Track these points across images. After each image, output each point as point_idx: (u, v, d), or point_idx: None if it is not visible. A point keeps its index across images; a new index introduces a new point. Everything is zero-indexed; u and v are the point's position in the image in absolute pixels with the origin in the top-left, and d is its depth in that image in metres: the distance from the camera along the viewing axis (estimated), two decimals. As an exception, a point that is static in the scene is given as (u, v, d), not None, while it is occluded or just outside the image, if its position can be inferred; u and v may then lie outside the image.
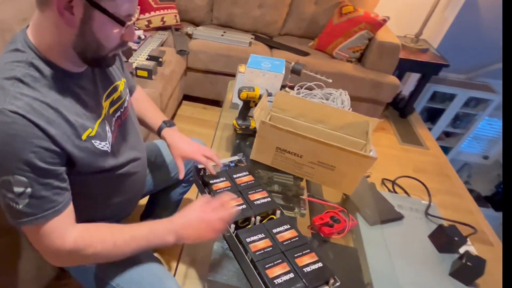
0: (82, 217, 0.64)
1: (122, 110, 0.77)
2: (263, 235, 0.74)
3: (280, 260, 0.69)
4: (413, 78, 2.74)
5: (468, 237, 1.33)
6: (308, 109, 1.09)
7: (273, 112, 1.13)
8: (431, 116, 2.90)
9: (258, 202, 0.82)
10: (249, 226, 0.79)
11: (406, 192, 1.86)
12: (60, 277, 1.08)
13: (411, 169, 2.13)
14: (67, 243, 0.60)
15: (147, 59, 1.76)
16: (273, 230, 0.76)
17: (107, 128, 0.69)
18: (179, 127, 0.95)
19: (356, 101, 2.15)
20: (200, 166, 0.91)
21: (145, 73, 1.65)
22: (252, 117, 1.16)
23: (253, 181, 0.89)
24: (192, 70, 2.18)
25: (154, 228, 0.67)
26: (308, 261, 0.70)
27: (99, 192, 0.74)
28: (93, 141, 0.64)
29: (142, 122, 0.95)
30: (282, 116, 1.13)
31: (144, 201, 1.21)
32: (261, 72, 1.20)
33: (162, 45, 2.05)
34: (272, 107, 1.14)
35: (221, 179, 0.88)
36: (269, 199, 0.84)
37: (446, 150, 2.96)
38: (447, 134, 3.01)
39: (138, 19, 2.10)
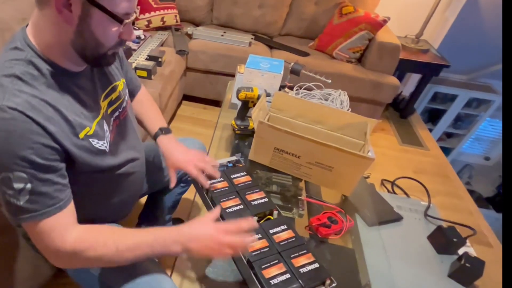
0: (80, 216, 0.64)
1: (120, 110, 0.78)
2: (260, 236, 0.74)
3: (276, 261, 0.69)
4: (413, 78, 2.74)
5: (467, 239, 1.32)
6: (307, 109, 1.09)
7: (271, 112, 1.13)
8: (432, 117, 2.89)
9: (255, 202, 0.82)
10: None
11: (405, 193, 1.86)
12: (57, 276, 1.09)
13: (411, 170, 2.12)
14: (67, 243, 0.59)
15: (146, 59, 1.76)
16: (270, 231, 0.76)
17: (105, 127, 0.70)
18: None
19: (356, 101, 2.15)
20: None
21: (144, 73, 1.65)
22: (250, 117, 1.16)
23: (250, 182, 0.89)
24: (192, 70, 2.18)
25: (160, 236, 0.64)
26: (304, 261, 0.70)
27: (97, 191, 0.74)
28: (90, 139, 0.64)
29: (141, 125, 0.95)
30: (280, 116, 1.13)
31: (143, 200, 1.21)
32: (260, 73, 1.20)
33: (162, 45, 2.05)
34: (270, 107, 1.14)
35: (219, 179, 0.88)
36: (266, 199, 0.84)
37: (447, 151, 2.96)
38: (448, 135, 3.00)
39: (138, 19, 2.10)
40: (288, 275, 0.66)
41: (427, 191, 1.82)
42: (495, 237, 1.76)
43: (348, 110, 1.23)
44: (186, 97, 2.35)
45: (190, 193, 1.15)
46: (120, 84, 0.79)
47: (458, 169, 3.16)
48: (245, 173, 0.91)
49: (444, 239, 1.31)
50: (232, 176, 0.90)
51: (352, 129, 1.05)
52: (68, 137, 0.59)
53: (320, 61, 2.16)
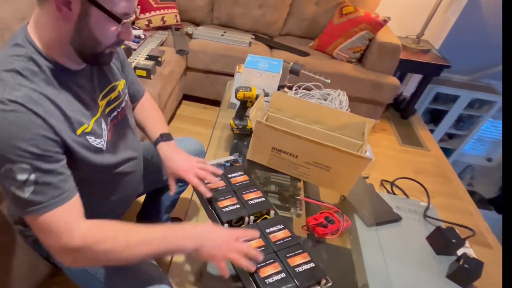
0: None
1: (119, 110, 0.78)
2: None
3: (272, 260, 0.69)
4: (414, 79, 2.73)
5: (467, 240, 1.31)
6: (305, 109, 1.09)
7: (270, 112, 1.13)
8: (434, 117, 2.87)
9: (252, 202, 0.82)
10: (243, 226, 0.79)
11: (405, 194, 1.85)
12: (54, 275, 1.09)
13: (411, 170, 2.11)
14: (75, 238, 0.57)
15: (146, 58, 1.77)
16: (266, 230, 0.76)
17: (103, 126, 0.70)
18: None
19: (356, 101, 2.15)
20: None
21: (143, 73, 1.66)
22: (249, 117, 1.15)
23: (247, 181, 0.89)
24: (192, 70, 2.18)
25: (172, 232, 0.64)
26: (300, 261, 0.70)
27: (94, 190, 0.74)
28: (87, 137, 0.64)
29: (143, 131, 0.95)
30: (279, 116, 1.13)
31: (141, 199, 1.22)
32: (258, 72, 1.20)
33: (162, 45, 2.06)
34: (269, 107, 1.13)
35: (216, 178, 0.88)
36: (263, 199, 0.84)
37: (449, 152, 2.94)
38: (450, 136, 2.99)
39: (138, 18, 2.11)
40: (283, 275, 0.66)
41: (426, 191, 1.81)
42: (495, 238, 1.75)
43: (347, 110, 1.23)
44: (186, 97, 2.36)
45: (188, 193, 1.16)
46: (120, 84, 0.79)
47: (460, 170, 3.15)
48: (242, 173, 0.91)
49: (443, 240, 1.30)
50: (229, 176, 0.90)
51: (350, 129, 1.05)
52: (67, 132, 0.59)
53: (320, 61, 2.16)
